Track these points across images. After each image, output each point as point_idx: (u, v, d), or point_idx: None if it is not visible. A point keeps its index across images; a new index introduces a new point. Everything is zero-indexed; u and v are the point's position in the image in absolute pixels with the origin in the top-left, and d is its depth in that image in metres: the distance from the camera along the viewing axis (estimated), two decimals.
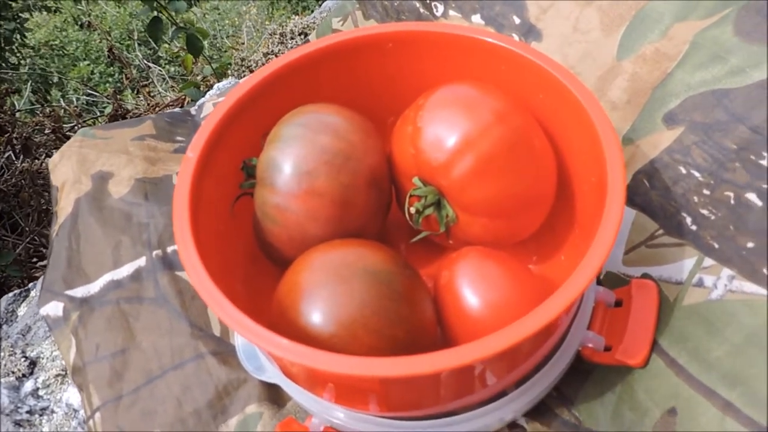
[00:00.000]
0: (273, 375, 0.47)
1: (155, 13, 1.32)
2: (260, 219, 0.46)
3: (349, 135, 0.46)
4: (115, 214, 0.60)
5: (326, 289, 0.40)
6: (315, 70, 0.51)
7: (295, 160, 0.44)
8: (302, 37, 0.93)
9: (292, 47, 0.90)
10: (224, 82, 0.84)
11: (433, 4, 0.65)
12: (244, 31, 2.35)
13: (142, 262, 0.56)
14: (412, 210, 0.47)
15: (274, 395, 0.49)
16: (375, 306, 0.40)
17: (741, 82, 0.47)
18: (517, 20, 0.59)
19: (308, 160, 0.44)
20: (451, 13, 0.64)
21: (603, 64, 0.54)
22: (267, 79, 0.49)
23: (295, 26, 0.92)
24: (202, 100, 0.81)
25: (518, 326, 0.35)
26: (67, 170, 0.64)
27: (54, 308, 0.55)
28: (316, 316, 0.40)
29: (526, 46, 0.48)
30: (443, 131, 0.44)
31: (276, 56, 0.94)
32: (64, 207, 0.62)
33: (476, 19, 0.62)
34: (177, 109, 0.78)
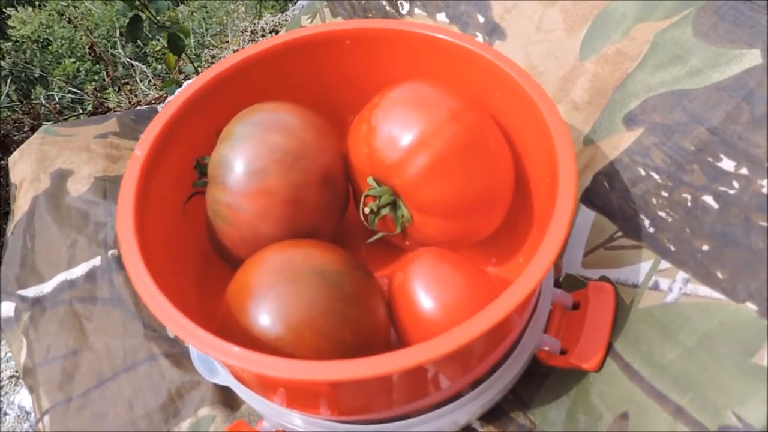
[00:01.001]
0: (225, 378, 0.46)
1: (136, 11, 1.31)
2: (212, 218, 0.45)
3: (301, 133, 0.45)
4: (72, 212, 0.59)
5: (274, 290, 0.40)
6: (272, 66, 0.50)
7: (246, 158, 0.43)
8: (273, 34, 0.92)
9: None
10: (192, 81, 0.82)
11: (398, 2, 0.64)
12: (228, 30, 2.33)
13: (97, 261, 0.55)
14: (367, 210, 0.46)
15: (227, 398, 0.48)
16: (322, 307, 0.39)
17: (700, 83, 0.46)
18: (481, 19, 0.59)
19: (259, 158, 0.43)
20: (417, 11, 0.63)
21: (565, 64, 0.54)
22: (220, 75, 0.48)
23: (266, 24, 0.91)
24: (170, 98, 0.79)
25: (462, 330, 0.34)
26: (26, 168, 0.63)
27: (6, 309, 0.53)
28: (264, 317, 0.39)
29: (483, 45, 0.47)
30: (397, 130, 0.44)
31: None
32: (21, 205, 0.60)
33: (441, 17, 0.61)
34: (144, 107, 0.77)
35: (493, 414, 0.46)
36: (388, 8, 0.66)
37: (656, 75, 0.49)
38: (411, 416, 0.43)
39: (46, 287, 0.54)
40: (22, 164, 0.64)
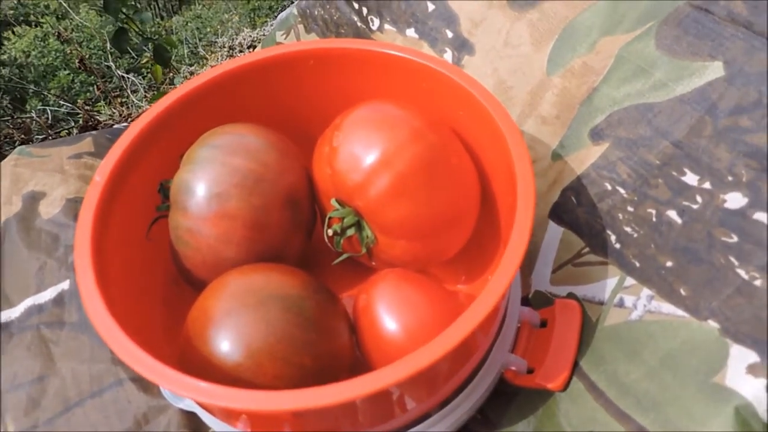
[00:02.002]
0: (191, 404, 0.46)
1: (121, 24, 1.31)
2: (174, 243, 0.45)
3: (263, 156, 0.45)
4: (43, 235, 0.58)
5: (232, 316, 0.39)
6: (237, 87, 0.50)
7: (206, 182, 0.43)
8: (251, 50, 0.92)
9: None
10: (154, 103, 0.82)
11: (369, 17, 0.64)
12: (218, 41, 2.34)
13: (65, 285, 0.55)
14: (330, 232, 0.46)
15: (193, 423, 0.48)
16: (281, 334, 0.39)
17: (664, 96, 0.46)
18: (449, 34, 0.59)
19: (219, 182, 0.43)
20: (387, 27, 0.63)
21: (533, 79, 0.54)
22: (183, 98, 0.48)
23: (244, 39, 0.91)
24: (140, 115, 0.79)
25: (417, 355, 0.34)
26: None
27: None
28: (223, 344, 0.39)
29: (445, 63, 0.47)
30: (358, 151, 0.43)
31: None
32: None
33: (410, 32, 0.61)
34: (121, 125, 0.76)
35: None
36: (359, 24, 0.65)
37: (621, 89, 0.48)
38: None
39: (14, 312, 0.54)
40: None
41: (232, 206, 0.43)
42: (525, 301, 0.50)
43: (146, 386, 0.49)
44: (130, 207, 0.46)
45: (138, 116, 1.29)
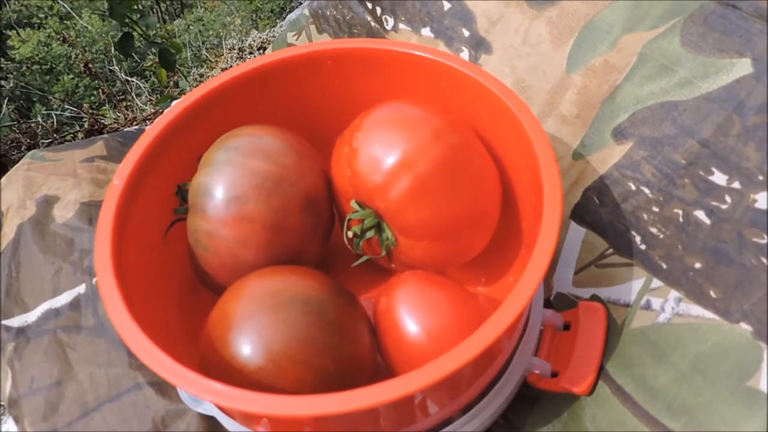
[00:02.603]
0: (210, 408, 0.45)
1: (126, 29, 1.31)
2: (193, 246, 0.44)
3: (281, 158, 0.44)
4: (57, 239, 0.58)
5: (253, 319, 0.39)
6: (253, 89, 0.50)
7: (225, 185, 0.43)
8: (261, 51, 0.92)
9: None
10: (172, 105, 0.82)
11: (383, 17, 0.64)
12: (227, 43, 2.34)
13: (81, 289, 0.54)
14: (350, 234, 0.45)
15: (212, 427, 0.47)
16: (302, 337, 0.38)
17: (689, 94, 0.45)
18: (466, 33, 0.58)
19: (238, 184, 0.42)
20: (401, 26, 0.62)
21: (553, 77, 0.53)
22: (200, 100, 0.48)
23: (254, 41, 0.91)
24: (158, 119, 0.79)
25: (446, 360, 0.33)
26: (13, 195, 0.63)
27: None
28: (244, 347, 0.38)
29: (466, 62, 0.46)
30: (379, 152, 0.43)
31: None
32: (6, 233, 0.60)
33: (426, 32, 0.60)
34: (132, 128, 0.76)
35: None
36: (372, 24, 0.65)
37: (645, 87, 0.48)
38: None
39: (31, 317, 0.53)
40: (8, 191, 0.64)
41: (250, 209, 0.42)
42: (547, 304, 0.49)
43: (164, 390, 0.49)
44: (148, 210, 0.45)
45: (152, 118, 1.29)
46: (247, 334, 0.38)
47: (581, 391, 0.42)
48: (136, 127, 0.81)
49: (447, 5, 0.59)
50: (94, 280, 0.55)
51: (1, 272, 0.57)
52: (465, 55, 0.58)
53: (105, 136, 0.72)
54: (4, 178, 0.66)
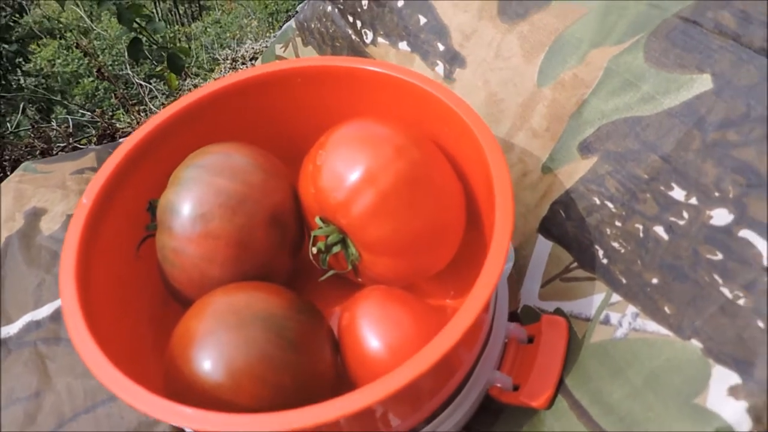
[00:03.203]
0: None
1: (135, 34, 1.34)
2: (161, 262, 0.46)
3: (248, 176, 0.45)
4: (43, 252, 0.59)
5: (214, 336, 0.40)
6: (224, 106, 0.51)
7: (191, 203, 0.44)
8: (253, 62, 0.93)
9: None
10: (143, 124, 0.83)
11: (363, 31, 0.64)
12: (234, 47, 2.36)
13: None
14: (315, 250, 0.46)
15: None
16: (260, 354, 0.39)
17: (652, 109, 0.46)
18: (441, 47, 0.59)
19: (203, 202, 0.44)
20: (380, 40, 0.63)
21: (524, 91, 0.53)
22: (171, 118, 0.49)
23: (247, 51, 0.92)
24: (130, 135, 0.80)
25: (393, 377, 0.34)
26: (2, 207, 0.64)
27: None
28: (204, 364, 0.39)
29: (430, 81, 0.47)
30: (341, 169, 0.43)
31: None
32: None
33: (403, 46, 0.61)
34: (122, 140, 0.77)
35: None
36: (353, 37, 0.66)
37: (610, 101, 0.48)
38: None
39: (13, 329, 0.55)
40: None
41: (215, 226, 0.43)
42: (514, 316, 0.50)
43: None
44: (120, 226, 0.47)
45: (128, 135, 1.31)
46: (207, 351, 0.39)
47: (539, 405, 0.42)
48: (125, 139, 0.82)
49: (423, 20, 0.60)
50: None
51: None
52: (440, 68, 0.59)
53: (96, 147, 0.73)
54: None
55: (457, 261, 0.48)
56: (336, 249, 0.46)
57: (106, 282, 0.44)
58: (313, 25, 0.70)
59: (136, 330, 0.46)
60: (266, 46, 0.93)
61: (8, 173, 1.34)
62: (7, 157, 1.44)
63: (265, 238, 0.45)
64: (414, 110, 0.48)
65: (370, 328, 0.42)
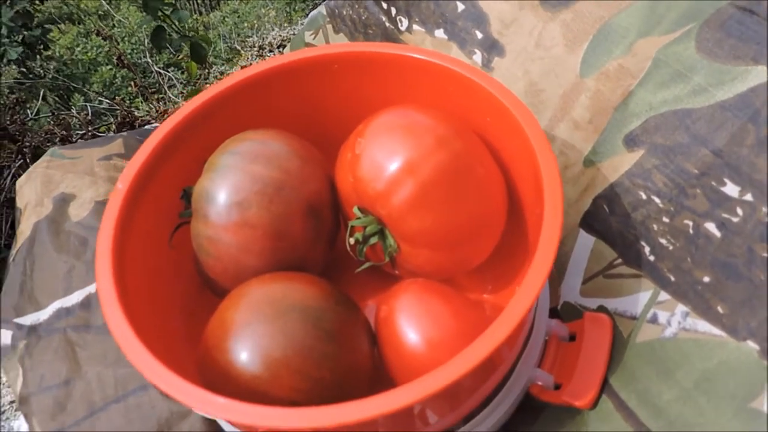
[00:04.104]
0: None
1: (159, 22, 1.33)
2: (196, 250, 0.45)
3: (285, 163, 0.44)
4: (72, 238, 0.59)
5: (251, 328, 0.39)
6: (259, 92, 0.50)
7: (227, 190, 0.43)
8: (280, 49, 0.92)
9: None
10: (178, 109, 0.82)
11: (398, 18, 0.63)
12: (254, 36, 2.35)
13: (93, 288, 0.55)
14: (353, 240, 0.45)
15: (216, 430, 0.47)
16: (299, 346, 0.38)
17: (704, 102, 0.44)
18: (479, 35, 0.57)
19: (239, 190, 0.42)
20: (416, 27, 0.62)
21: (566, 81, 0.52)
22: (206, 103, 0.48)
23: (274, 39, 0.91)
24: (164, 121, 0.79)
25: (437, 375, 0.33)
26: (31, 192, 0.64)
27: (4, 336, 0.54)
28: (241, 355, 0.38)
29: (473, 68, 0.46)
30: (381, 159, 0.42)
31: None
32: (23, 231, 0.61)
33: (439, 33, 0.60)
34: (150, 126, 0.77)
35: None
36: (387, 24, 0.64)
37: (658, 93, 0.46)
38: None
39: (43, 315, 0.54)
40: (27, 188, 0.65)
41: (252, 214, 0.42)
42: (554, 313, 0.48)
43: None
44: (154, 214, 0.46)
45: (164, 119, 1.31)
46: (244, 342, 0.38)
47: (583, 405, 0.41)
48: (156, 124, 0.82)
49: (461, 6, 0.58)
50: None
51: (16, 270, 0.58)
52: (478, 57, 0.57)
53: (124, 133, 0.73)
54: (23, 176, 0.67)
55: (495, 255, 0.47)
56: (373, 240, 0.45)
57: (140, 271, 0.43)
58: (344, 12, 0.69)
59: (169, 320, 0.45)
60: (293, 34, 0.92)
61: (28, 160, 1.34)
62: (27, 144, 1.44)
63: (301, 227, 0.44)
64: (455, 99, 0.47)
65: (409, 322, 0.41)
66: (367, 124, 0.44)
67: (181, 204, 0.48)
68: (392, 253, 0.45)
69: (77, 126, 1.69)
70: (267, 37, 0.92)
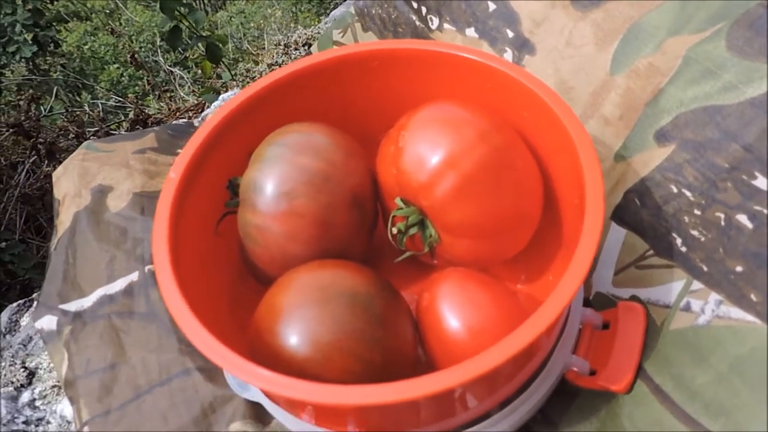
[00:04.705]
0: (256, 394, 0.47)
1: (176, 22, 1.35)
2: (243, 239, 0.46)
3: (330, 155, 0.46)
4: (111, 228, 0.61)
5: (302, 311, 0.40)
6: (301, 87, 0.51)
7: (275, 180, 0.44)
8: (306, 48, 0.93)
9: (295, 58, 0.90)
10: (228, 94, 0.84)
11: (428, 17, 0.65)
12: (265, 36, 2.36)
13: (134, 277, 0.57)
14: (395, 230, 0.47)
15: (258, 413, 0.49)
16: (350, 329, 0.40)
17: (734, 98, 0.45)
18: (510, 34, 0.59)
19: (288, 180, 0.44)
20: (446, 26, 0.63)
21: (596, 79, 0.53)
22: (252, 97, 0.49)
23: (299, 37, 0.92)
24: (206, 112, 0.81)
25: (489, 355, 0.35)
26: (69, 183, 0.66)
27: (48, 322, 0.56)
28: (292, 338, 0.40)
29: (509, 64, 0.47)
30: (424, 151, 0.44)
31: (280, 67, 0.94)
32: (63, 221, 0.63)
33: (470, 32, 0.61)
34: (180, 121, 0.79)
35: None
36: (417, 23, 0.66)
37: (689, 90, 0.48)
38: None
39: (87, 302, 0.56)
40: (65, 180, 0.67)
41: (300, 204, 0.44)
42: (586, 303, 0.50)
43: (213, 376, 0.51)
44: (201, 203, 0.47)
45: (195, 110, 1.32)
46: (295, 326, 0.40)
47: (620, 389, 0.43)
48: (184, 120, 0.84)
49: (492, 6, 0.60)
50: (147, 268, 0.57)
51: (58, 258, 0.59)
52: (509, 55, 0.59)
53: (155, 128, 0.74)
54: (60, 168, 0.69)
55: (529, 246, 0.49)
56: (413, 230, 0.47)
57: (190, 258, 0.44)
58: (374, 11, 0.71)
59: (217, 306, 0.47)
60: (319, 32, 0.93)
61: (42, 156, 1.36)
62: (42, 140, 1.46)
63: (346, 217, 0.45)
64: (491, 93, 0.48)
65: (451, 310, 0.43)
66: (409, 118, 0.46)
67: (226, 194, 0.49)
68: (432, 243, 0.47)
69: (88, 123, 1.70)
70: (292, 35, 0.94)
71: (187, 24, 1.36)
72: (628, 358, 0.43)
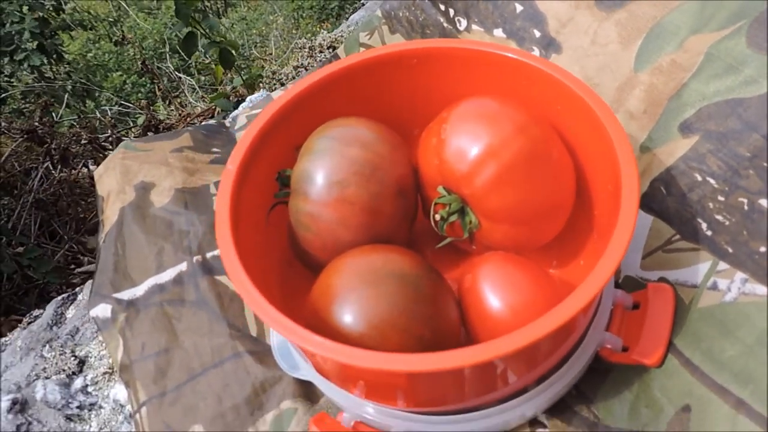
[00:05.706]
0: (306, 373, 0.50)
1: (191, 28, 1.38)
2: (294, 227, 0.49)
3: (376, 147, 0.49)
4: (158, 222, 0.63)
5: (356, 291, 0.43)
6: (344, 85, 0.54)
7: (327, 170, 0.47)
8: (330, 50, 0.96)
9: (321, 60, 0.94)
10: (256, 95, 0.88)
11: (456, 18, 0.68)
12: (272, 42, 2.40)
13: (183, 267, 0.60)
14: (437, 217, 0.50)
15: (307, 392, 0.52)
16: (402, 307, 0.43)
17: (755, 91, 0.49)
18: (537, 34, 0.62)
19: (339, 170, 0.47)
20: (474, 27, 0.66)
21: (620, 76, 0.57)
22: (300, 95, 0.52)
23: (324, 40, 0.96)
24: (235, 112, 0.84)
25: (536, 326, 0.37)
26: (112, 181, 0.68)
27: (102, 310, 0.58)
28: (348, 317, 0.43)
29: (544, 61, 0.50)
30: (466, 143, 0.47)
31: (306, 69, 0.98)
32: (109, 216, 0.65)
33: (498, 32, 0.64)
34: (212, 122, 0.81)
35: (557, 408, 0.49)
36: (445, 25, 0.69)
37: (711, 85, 0.51)
38: (480, 409, 0.46)
39: (138, 291, 0.59)
40: (107, 177, 0.69)
41: (351, 192, 0.47)
42: (616, 285, 0.53)
43: (262, 358, 0.54)
44: (253, 194, 0.50)
45: (206, 115, 1.35)
46: (350, 305, 0.43)
47: (652, 363, 0.45)
48: (213, 121, 0.87)
49: (519, 7, 0.63)
50: (195, 258, 0.60)
51: (107, 250, 0.62)
52: (536, 54, 0.62)
53: (190, 128, 0.77)
54: (101, 167, 0.72)
55: (561, 233, 0.52)
56: (454, 218, 0.50)
57: (248, 246, 0.47)
58: (401, 14, 0.74)
59: (270, 291, 0.50)
60: (341, 35, 0.97)
61: (56, 162, 1.39)
62: (55, 146, 1.49)
63: (392, 206, 0.48)
64: (525, 88, 0.51)
65: (493, 290, 0.46)
66: (450, 112, 0.49)
67: (274, 186, 0.52)
68: (472, 229, 0.50)
69: (100, 129, 1.73)
70: (316, 39, 0.97)
71: (201, 31, 1.39)
72: (659, 334, 0.46)
